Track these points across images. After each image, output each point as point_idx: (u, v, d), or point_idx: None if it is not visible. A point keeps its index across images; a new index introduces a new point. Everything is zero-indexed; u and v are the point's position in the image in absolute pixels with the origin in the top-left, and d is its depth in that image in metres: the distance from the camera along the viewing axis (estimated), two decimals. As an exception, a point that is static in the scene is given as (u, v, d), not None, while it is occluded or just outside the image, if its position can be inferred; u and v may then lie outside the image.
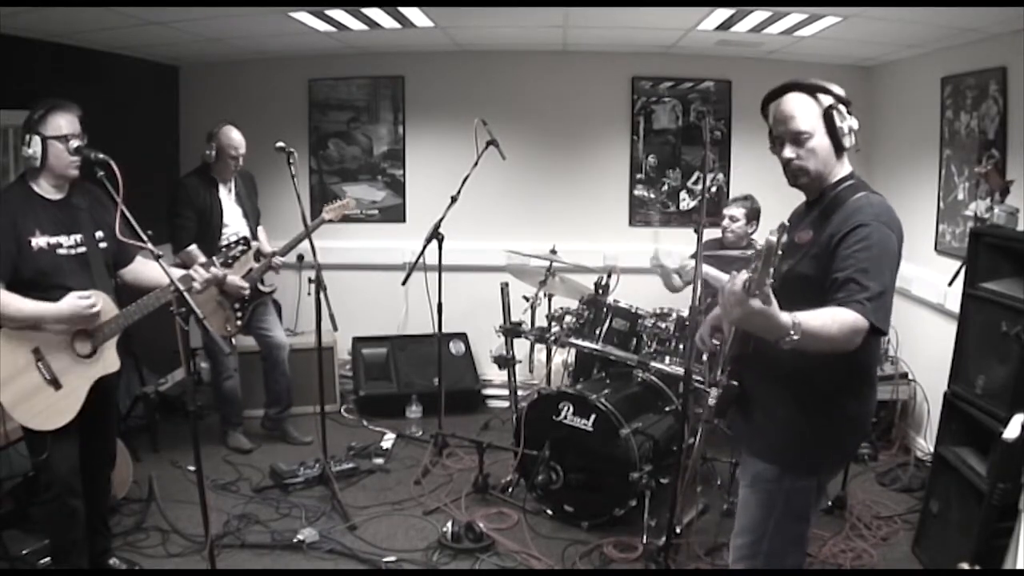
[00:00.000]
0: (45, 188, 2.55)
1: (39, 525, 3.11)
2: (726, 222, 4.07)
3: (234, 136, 3.96)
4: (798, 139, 1.90)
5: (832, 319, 1.70)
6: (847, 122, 1.89)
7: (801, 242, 1.93)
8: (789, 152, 1.92)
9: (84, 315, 2.48)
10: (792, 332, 1.64)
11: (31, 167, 2.51)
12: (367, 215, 5.27)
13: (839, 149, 1.90)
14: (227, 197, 4.08)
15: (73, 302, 2.46)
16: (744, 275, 1.60)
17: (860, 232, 1.78)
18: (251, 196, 4.26)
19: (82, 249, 2.59)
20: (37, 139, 2.46)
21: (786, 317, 1.65)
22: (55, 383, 2.47)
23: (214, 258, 2.77)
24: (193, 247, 3.92)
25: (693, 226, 2.92)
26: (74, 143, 2.50)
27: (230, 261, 2.84)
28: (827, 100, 1.89)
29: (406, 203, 5.39)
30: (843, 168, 1.94)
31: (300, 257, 4.13)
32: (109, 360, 2.63)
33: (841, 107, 1.88)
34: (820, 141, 1.89)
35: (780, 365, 1.85)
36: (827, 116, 1.87)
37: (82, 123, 2.56)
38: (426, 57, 5.14)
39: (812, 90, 1.91)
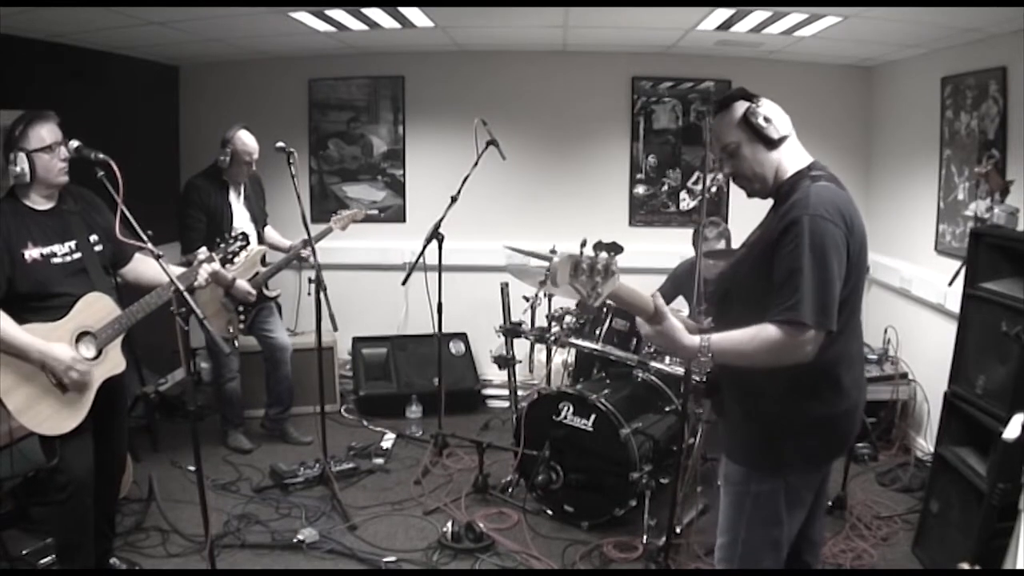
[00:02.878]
0: (35, 200, 2.55)
1: (42, 525, 3.12)
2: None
3: (249, 141, 3.95)
4: (727, 152, 1.95)
5: (751, 338, 1.74)
6: (761, 114, 1.88)
7: (750, 243, 1.95)
8: (727, 167, 1.97)
9: (69, 372, 2.44)
10: (700, 354, 1.77)
11: (21, 183, 2.50)
12: (367, 214, 5.26)
13: (769, 143, 1.90)
14: (236, 201, 4.08)
15: (69, 354, 2.44)
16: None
17: (793, 230, 1.75)
18: (259, 199, 4.27)
19: (77, 255, 2.58)
20: (23, 155, 2.46)
21: (692, 340, 1.79)
22: (61, 386, 2.46)
23: (213, 253, 2.77)
24: (203, 250, 3.90)
25: (693, 226, 2.92)
26: (61, 150, 2.49)
27: (230, 256, 2.84)
28: (742, 106, 1.91)
29: (406, 203, 5.39)
30: (795, 162, 1.93)
31: (300, 257, 4.14)
32: (114, 361, 2.63)
33: (754, 107, 1.89)
34: (747, 146, 1.91)
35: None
36: (745, 120, 1.89)
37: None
38: (426, 57, 5.14)
39: (725, 105, 1.94)
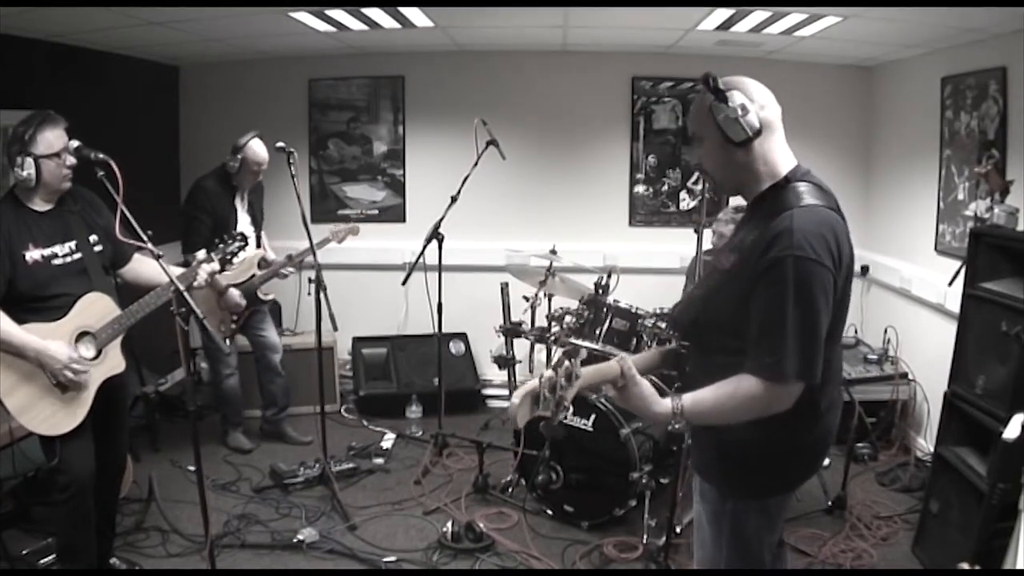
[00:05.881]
0: (36, 203, 2.55)
1: (42, 525, 3.12)
2: (716, 239, 4.04)
3: (260, 151, 3.95)
4: (695, 138, 1.79)
5: (730, 396, 1.62)
6: (724, 111, 1.65)
7: (723, 268, 1.74)
8: (696, 156, 1.83)
9: (65, 372, 2.43)
10: (673, 420, 1.62)
11: (25, 187, 2.50)
12: (365, 214, 5.27)
13: (734, 144, 1.67)
14: (240, 205, 4.09)
15: (65, 352, 2.43)
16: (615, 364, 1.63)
17: (776, 272, 1.58)
18: (259, 204, 4.27)
19: (78, 255, 2.59)
20: (30, 160, 2.44)
21: (663, 406, 1.63)
22: (61, 386, 2.46)
23: (212, 254, 2.77)
24: (202, 252, 3.90)
25: (693, 226, 2.91)
26: (67, 157, 2.49)
27: (228, 256, 2.84)
28: (708, 99, 1.69)
29: (406, 203, 5.39)
30: (774, 166, 1.71)
31: (280, 275, 4.13)
32: (114, 361, 2.63)
33: (722, 99, 1.66)
34: (711, 143, 1.72)
35: None
36: (710, 114, 1.68)
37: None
38: (426, 57, 5.13)
39: (699, 89, 1.72)
